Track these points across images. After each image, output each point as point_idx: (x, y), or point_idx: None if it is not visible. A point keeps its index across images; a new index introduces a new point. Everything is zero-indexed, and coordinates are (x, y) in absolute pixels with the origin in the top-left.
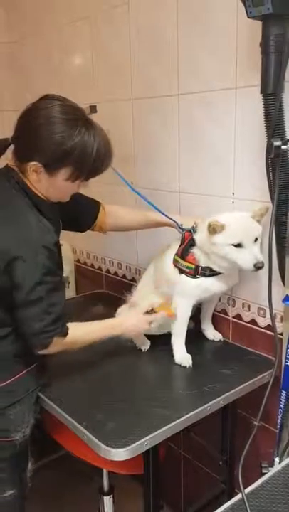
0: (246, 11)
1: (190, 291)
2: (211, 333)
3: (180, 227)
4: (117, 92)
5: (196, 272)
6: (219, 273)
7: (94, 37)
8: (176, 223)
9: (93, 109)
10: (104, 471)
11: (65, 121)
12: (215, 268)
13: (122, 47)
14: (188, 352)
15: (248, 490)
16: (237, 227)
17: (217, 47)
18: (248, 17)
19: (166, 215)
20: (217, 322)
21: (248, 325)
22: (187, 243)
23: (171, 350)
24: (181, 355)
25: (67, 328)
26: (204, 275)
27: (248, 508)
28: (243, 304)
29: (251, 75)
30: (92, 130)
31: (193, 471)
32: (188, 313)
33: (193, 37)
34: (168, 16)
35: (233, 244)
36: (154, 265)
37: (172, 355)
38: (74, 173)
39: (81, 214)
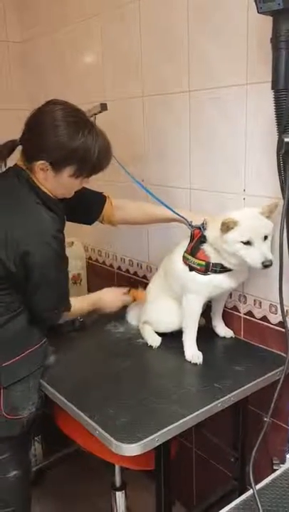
0: (256, 7)
1: (201, 288)
2: (222, 330)
3: (190, 225)
4: (128, 90)
5: (207, 268)
6: (230, 269)
7: (105, 35)
8: (186, 220)
9: (104, 106)
10: (117, 467)
11: (69, 123)
12: (226, 264)
13: (132, 44)
14: (199, 349)
15: (259, 486)
16: (246, 224)
17: (228, 43)
18: (259, 13)
19: (175, 212)
20: (228, 319)
21: (260, 322)
22: (197, 240)
23: (182, 347)
24: (192, 352)
25: (70, 305)
26: (215, 272)
27: (259, 504)
28: (254, 300)
29: (262, 71)
30: (93, 132)
31: (205, 468)
32: (199, 310)
33: (203, 33)
34: (179, 12)
35: (242, 242)
36: (164, 264)
37: (183, 352)
38: (77, 170)
39: (87, 206)
